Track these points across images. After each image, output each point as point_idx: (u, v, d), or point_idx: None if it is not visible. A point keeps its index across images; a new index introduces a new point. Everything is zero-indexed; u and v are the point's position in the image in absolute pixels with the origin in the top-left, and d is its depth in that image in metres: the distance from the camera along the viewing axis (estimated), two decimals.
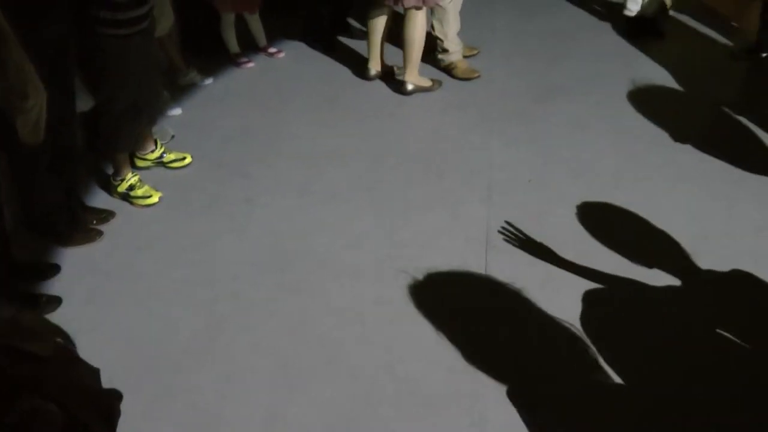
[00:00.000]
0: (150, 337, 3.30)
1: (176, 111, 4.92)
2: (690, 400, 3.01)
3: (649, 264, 3.64)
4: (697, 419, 2.92)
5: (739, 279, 3.49)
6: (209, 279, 3.62)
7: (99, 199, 4.15)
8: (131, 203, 4.09)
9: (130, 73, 3.76)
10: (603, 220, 4.00)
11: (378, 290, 3.56)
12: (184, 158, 4.41)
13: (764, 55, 5.71)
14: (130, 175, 4.10)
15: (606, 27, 6.19)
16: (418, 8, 4.96)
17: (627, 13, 6.02)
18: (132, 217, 4.02)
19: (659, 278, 3.55)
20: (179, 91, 5.13)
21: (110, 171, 4.16)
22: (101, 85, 3.87)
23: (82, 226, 3.85)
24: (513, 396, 2.98)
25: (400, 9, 5.03)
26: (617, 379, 3.02)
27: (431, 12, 5.37)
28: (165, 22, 4.57)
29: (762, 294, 3.48)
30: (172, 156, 4.38)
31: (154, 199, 4.10)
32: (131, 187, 4.09)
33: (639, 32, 6.00)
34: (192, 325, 3.36)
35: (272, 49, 5.77)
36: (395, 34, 5.24)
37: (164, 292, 3.55)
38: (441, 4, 5.28)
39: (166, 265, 3.71)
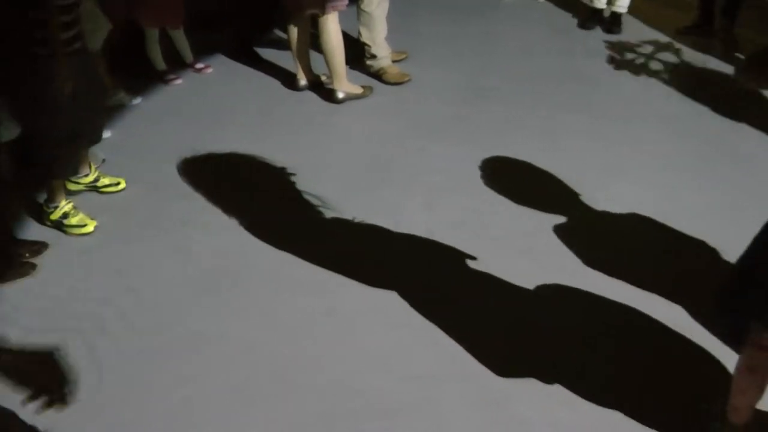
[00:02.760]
0: (91, 372, 3.19)
1: (106, 134, 4.81)
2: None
3: (590, 261, 3.72)
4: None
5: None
6: (152, 305, 3.54)
7: (30, 230, 4.03)
8: (65, 232, 3.98)
9: (68, 97, 3.66)
10: (543, 217, 4.04)
11: (325, 303, 3.54)
12: (119, 183, 4.31)
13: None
14: (64, 202, 3.97)
15: (535, 26, 6.28)
16: (320, 15, 4.95)
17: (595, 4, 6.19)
18: (67, 246, 3.91)
19: (608, 281, 3.63)
20: (108, 112, 5.02)
21: (41, 198, 4.04)
22: (35, 110, 3.71)
23: (14, 260, 3.72)
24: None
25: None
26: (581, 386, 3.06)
27: (357, 18, 5.38)
28: (100, 34, 4.47)
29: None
30: (106, 180, 4.29)
31: (89, 228, 3.99)
32: (65, 215, 3.96)
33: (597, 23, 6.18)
34: (137, 355, 3.28)
35: (200, 65, 5.70)
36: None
37: (105, 323, 3.45)
38: (366, 9, 5.29)
39: (105, 294, 3.61)
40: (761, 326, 2.49)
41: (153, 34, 5.41)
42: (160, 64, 5.51)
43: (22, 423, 0.89)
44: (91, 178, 4.24)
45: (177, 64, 5.62)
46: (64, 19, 3.55)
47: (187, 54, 5.66)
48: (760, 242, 2.51)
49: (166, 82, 5.49)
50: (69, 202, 3.99)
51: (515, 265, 3.70)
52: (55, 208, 3.96)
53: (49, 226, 3.99)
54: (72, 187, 4.20)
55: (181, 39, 5.58)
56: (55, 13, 3.51)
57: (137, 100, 5.24)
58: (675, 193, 4.25)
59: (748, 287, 2.50)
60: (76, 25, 3.62)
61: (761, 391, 2.67)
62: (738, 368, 2.68)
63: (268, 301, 3.57)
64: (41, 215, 4.02)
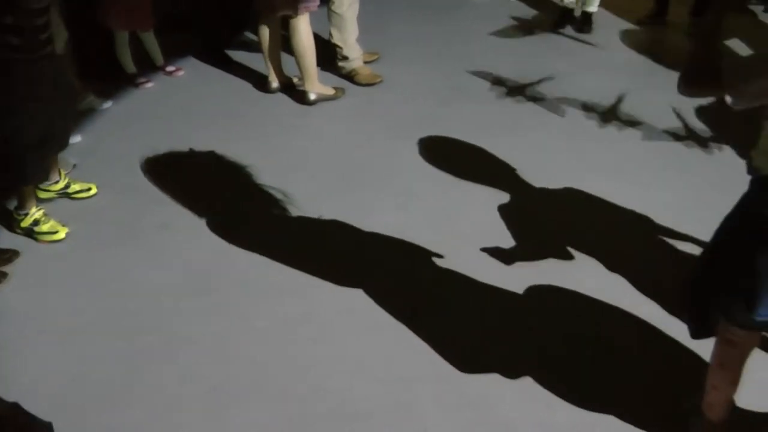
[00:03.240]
0: (69, 379, 3.18)
1: (76, 138, 4.76)
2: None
3: (568, 260, 3.76)
4: None
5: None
6: (128, 311, 3.52)
7: (0, 238, 3.99)
8: (36, 239, 3.94)
9: (40, 101, 3.63)
10: (517, 216, 4.07)
11: (300, 307, 3.54)
12: (90, 189, 4.27)
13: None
14: (34, 209, 3.93)
15: (505, 25, 6.31)
16: (292, 16, 4.95)
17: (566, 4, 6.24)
18: (39, 254, 3.87)
19: (586, 279, 3.67)
20: (78, 116, 4.98)
21: (11, 205, 4.00)
22: (6, 115, 3.65)
23: None
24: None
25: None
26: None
27: (328, 20, 5.38)
28: (60, 41, 4.43)
29: None
30: (77, 187, 4.25)
31: (61, 234, 3.95)
32: (36, 222, 3.92)
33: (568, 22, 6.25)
34: (114, 361, 3.26)
35: (170, 68, 5.67)
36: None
37: (81, 330, 3.43)
38: (337, 10, 5.29)
39: (81, 301, 3.58)
40: (727, 321, 2.53)
41: (123, 37, 5.38)
42: (131, 67, 5.48)
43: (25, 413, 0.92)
44: (61, 184, 4.20)
45: (147, 67, 5.59)
46: (36, 23, 3.53)
47: (158, 57, 5.63)
48: (719, 237, 2.53)
49: (136, 85, 5.46)
50: (40, 209, 3.95)
51: (492, 264, 3.72)
52: (26, 215, 3.91)
53: (19, 233, 3.95)
54: (42, 195, 4.15)
55: (151, 41, 5.55)
56: (28, 18, 3.49)
57: (108, 104, 5.20)
58: (648, 191, 4.28)
59: (710, 282, 2.53)
60: (47, 29, 3.59)
61: (734, 386, 2.70)
62: (710, 365, 2.73)
63: (244, 305, 3.56)
64: (11, 223, 3.98)
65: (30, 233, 3.93)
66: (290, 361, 3.26)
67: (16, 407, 0.87)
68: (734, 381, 2.69)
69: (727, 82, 2.16)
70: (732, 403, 2.75)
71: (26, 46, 3.51)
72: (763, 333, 2.61)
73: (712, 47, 2.27)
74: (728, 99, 2.18)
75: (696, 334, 2.69)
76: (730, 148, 4.68)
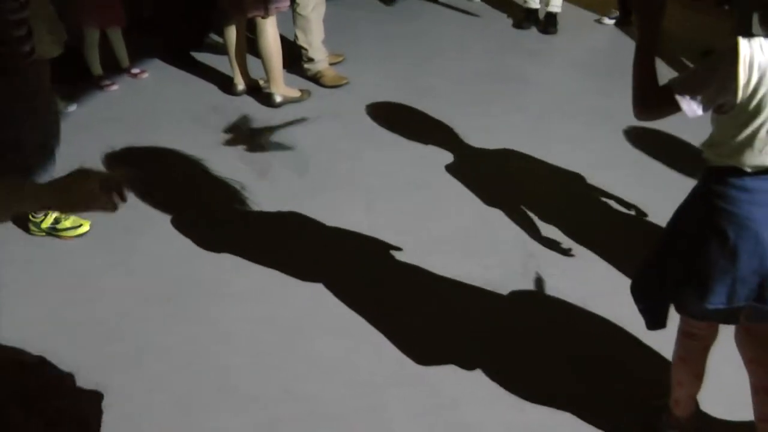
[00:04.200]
0: None
1: None
2: None
3: (536, 260, 3.81)
4: None
5: None
6: (95, 318, 3.51)
7: (17, 244, 3.95)
8: (60, 237, 3.95)
9: (35, 111, 3.63)
10: (485, 216, 4.12)
11: (266, 311, 3.55)
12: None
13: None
14: None
15: (470, 26, 6.35)
16: (262, 17, 4.95)
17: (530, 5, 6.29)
18: (5, 261, 3.84)
19: (555, 279, 3.72)
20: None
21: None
22: (9, 123, 3.58)
23: None
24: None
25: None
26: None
27: (294, 22, 5.39)
28: (54, 43, 4.33)
29: None
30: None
31: (85, 227, 3.97)
32: (57, 220, 3.94)
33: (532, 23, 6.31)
34: (80, 370, 3.24)
35: (135, 70, 5.65)
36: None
37: (46, 339, 3.39)
38: (302, 12, 5.30)
39: (47, 309, 3.57)
40: (679, 311, 2.60)
41: (93, 37, 5.32)
42: (97, 69, 5.44)
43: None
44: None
45: (112, 69, 5.55)
46: (15, 35, 3.45)
47: (124, 58, 5.60)
48: (671, 227, 2.59)
49: (101, 87, 5.42)
50: None
51: (459, 265, 3.76)
52: (44, 215, 3.91)
53: (40, 235, 3.95)
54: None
55: (119, 42, 5.51)
56: (6, 30, 3.43)
57: (72, 107, 5.17)
58: (617, 189, 4.32)
59: (663, 272, 2.57)
60: (29, 40, 3.53)
61: (698, 381, 2.76)
62: (673, 360, 2.78)
63: (209, 310, 3.56)
64: (27, 226, 3.97)
65: (52, 232, 3.94)
66: (258, 365, 3.27)
67: (43, 361, 0.94)
68: (698, 375, 2.74)
69: (679, 95, 2.24)
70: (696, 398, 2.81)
71: (8, 57, 3.46)
72: (723, 324, 2.67)
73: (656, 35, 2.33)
74: (686, 110, 2.25)
75: (651, 326, 2.72)
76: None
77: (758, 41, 2.15)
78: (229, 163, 4.58)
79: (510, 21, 6.49)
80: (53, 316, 3.53)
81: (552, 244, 3.88)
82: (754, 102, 2.18)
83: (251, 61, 5.35)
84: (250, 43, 5.28)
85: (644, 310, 2.68)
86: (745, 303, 2.41)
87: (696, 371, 2.74)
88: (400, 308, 3.56)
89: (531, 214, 4.13)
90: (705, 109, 2.25)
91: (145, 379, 3.20)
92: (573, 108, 5.26)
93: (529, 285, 3.65)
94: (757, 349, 2.59)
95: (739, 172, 2.32)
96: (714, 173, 2.40)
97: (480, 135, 4.85)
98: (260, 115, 5.17)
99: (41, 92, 3.69)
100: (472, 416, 3.01)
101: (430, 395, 3.10)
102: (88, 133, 4.90)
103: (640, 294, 2.67)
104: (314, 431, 2.98)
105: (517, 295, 3.60)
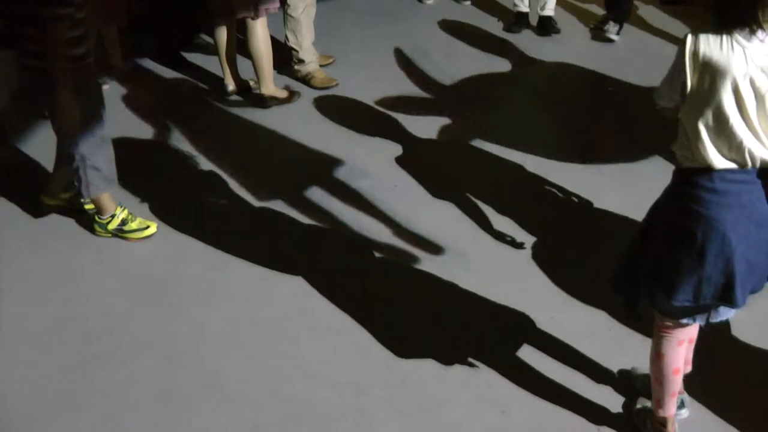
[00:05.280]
0: (19, 384, 3.17)
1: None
2: None
3: (520, 261, 3.82)
4: None
5: None
6: (79, 316, 3.51)
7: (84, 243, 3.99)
8: (126, 238, 3.95)
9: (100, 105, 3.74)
10: (473, 217, 4.13)
11: (251, 311, 3.55)
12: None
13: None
14: (118, 209, 3.93)
15: (460, 29, 6.35)
16: (252, 18, 4.95)
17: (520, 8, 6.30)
18: None
19: (537, 281, 3.72)
20: None
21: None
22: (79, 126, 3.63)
23: None
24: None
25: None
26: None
27: (284, 23, 5.39)
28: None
29: None
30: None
31: (152, 229, 3.99)
32: (124, 222, 3.93)
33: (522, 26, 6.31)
34: (64, 367, 3.25)
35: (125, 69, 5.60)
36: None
37: (32, 335, 3.41)
38: (292, 14, 5.30)
39: (32, 305, 3.57)
40: (651, 306, 2.68)
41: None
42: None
43: None
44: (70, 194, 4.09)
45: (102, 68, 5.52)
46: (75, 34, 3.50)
47: (117, 57, 5.53)
48: (645, 224, 2.68)
49: None
50: (123, 209, 3.93)
51: (446, 266, 3.78)
52: (111, 217, 3.92)
53: (105, 236, 3.95)
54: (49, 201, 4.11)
55: (114, 40, 5.44)
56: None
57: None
58: (601, 194, 4.34)
59: (639, 267, 2.64)
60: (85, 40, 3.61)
61: (677, 377, 2.78)
62: (650, 358, 2.80)
63: (193, 309, 3.57)
64: (94, 227, 3.99)
65: (119, 233, 3.93)
66: (242, 365, 3.27)
67: None
68: (676, 371, 2.76)
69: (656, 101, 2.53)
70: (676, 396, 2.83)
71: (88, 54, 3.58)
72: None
73: None
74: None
75: (629, 317, 2.82)
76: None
77: (708, 36, 2.33)
78: (217, 163, 4.58)
79: (499, 24, 6.47)
80: (37, 312, 3.53)
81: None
82: (709, 99, 2.34)
83: (241, 61, 5.35)
84: (241, 44, 5.28)
85: (623, 302, 2.77)
86: (710, 302, 2.51)
87: (673, 367, 2.75)
88: (385, 310, 3.56)
89: (523, 224, 4.14)
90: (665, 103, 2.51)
91: (127, 377, 3.20)
92: (568, 110, 5.26)
93: (516, 288, 3.65)
94: None
95: (708, 174, 2.41)
96: (684, 175, 2.49)
97: (469, 136, 4.85)
98: (251, 116, 5.16)
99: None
100: (457, 418, 3.02)
101: (413, 397, 3.11)
102: None
103: (618, 287, 2.77)
104: (298, 431, 2.98)
105: (505, 297, 3.59)
